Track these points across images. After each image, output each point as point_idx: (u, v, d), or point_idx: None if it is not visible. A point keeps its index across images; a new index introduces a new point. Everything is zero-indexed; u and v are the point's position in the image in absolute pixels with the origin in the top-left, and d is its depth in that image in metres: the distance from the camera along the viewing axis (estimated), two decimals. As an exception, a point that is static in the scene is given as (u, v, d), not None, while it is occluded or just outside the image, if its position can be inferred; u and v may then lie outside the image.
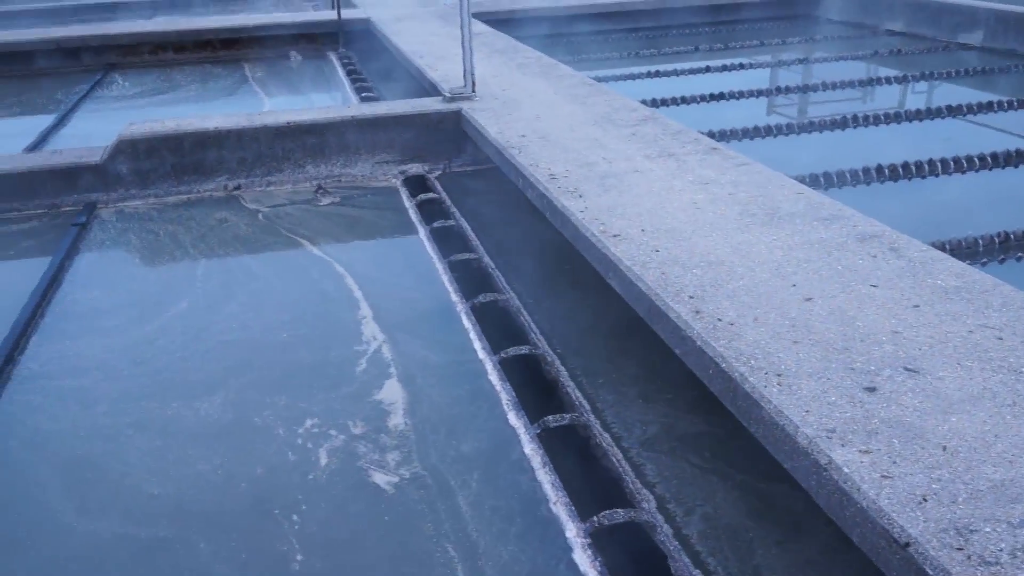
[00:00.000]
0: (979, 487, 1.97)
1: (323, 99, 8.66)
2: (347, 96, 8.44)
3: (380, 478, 2.93)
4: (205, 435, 3.21)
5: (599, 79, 7.73)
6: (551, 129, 5.44)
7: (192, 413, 3.35)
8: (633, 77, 9.03)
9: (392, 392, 3.47)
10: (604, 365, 3.58)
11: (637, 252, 3.51)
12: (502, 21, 10.53)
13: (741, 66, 9.50)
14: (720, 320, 2.90)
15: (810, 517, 2.52)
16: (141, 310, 4.22)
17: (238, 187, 5.83)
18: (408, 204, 5.50)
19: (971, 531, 1.83)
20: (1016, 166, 5.89)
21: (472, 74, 6.21)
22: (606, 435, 3.04)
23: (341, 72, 9.48)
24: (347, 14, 10.56)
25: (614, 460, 2.89)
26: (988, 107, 7.32)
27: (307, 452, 3.08)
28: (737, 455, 2.89)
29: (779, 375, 2.53)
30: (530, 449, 2.99)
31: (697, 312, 2.96)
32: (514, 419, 3.18)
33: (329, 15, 10.62)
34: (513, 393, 3.33)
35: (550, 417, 3.10)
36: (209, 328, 4.02)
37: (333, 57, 10.29)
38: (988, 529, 1.84)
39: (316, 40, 10.63)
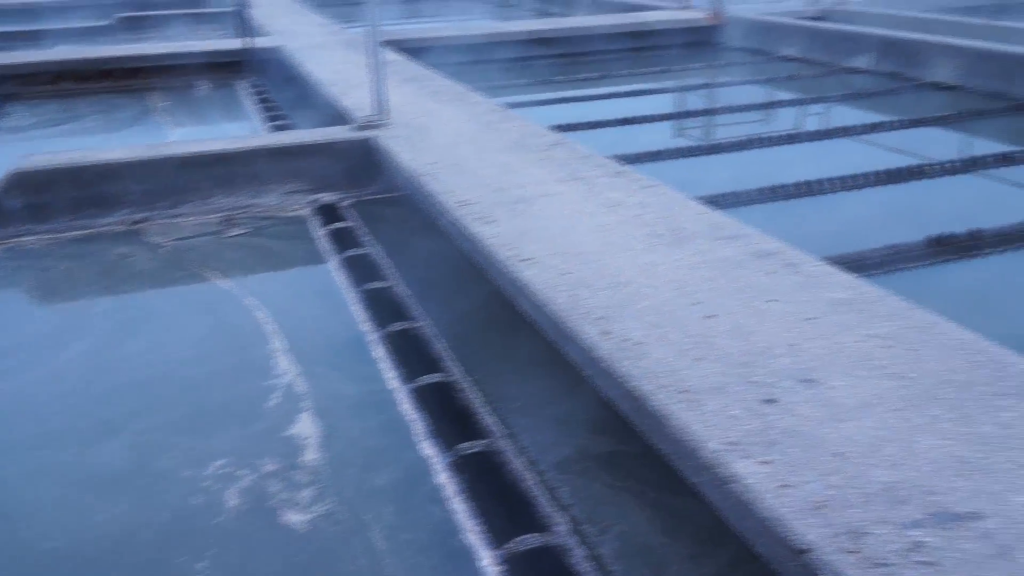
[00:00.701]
0: (870, 490, 2.05)
1: (232, 128, 8.52)
2: (257, 125, 8.32)
3: (293, 517, 2.87)
4: (105, 482, 3.09)
5: (511, 105, 7.82)
6: (463, 156, 5.48)
7: (91, 460, 3.22)
8: (544, 103, 9.18)
9: (305, 427, 3.41)
10: (519, 389, 3.60)
11: (547, 276, 3.56)
12: (415, 49, 10.58)
13: (648, 91, 9.76)
14: (627, 340, 2.96)
15: (721, 529, 2.57)
16: (35, 352, 4.04)
17: (142, 221, 5.67)
18: (319, 233, 5.44)
19: (864, 534, 1.91)
20: (904, 182, 6.20)
21: (383, 102, 6.21)
22: (520, 460, 3.05)
23: (251, 101, 9.35)
24: (257, 42, 10.45)
25: (528, 484, 2.90)
26: (878, 127, 7.70)
27: (215, 494, 2.99)
28: (649, 472, 2.94)
29: (684, 392, 2.59)
30: (444, 478, 2.97)
31: (605, 333, 3.02)
32: (428, 449, 3.16)
33: (238, 43, 10.48)
34: (427, 422, 3.31)
35: (464, 444, 3.09)
36: (109, 369, 3.88)
37: (243, 86, 10.14)
38: (879, 531, 1.92)
39: (225, 69, 10.46)
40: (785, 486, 2.09)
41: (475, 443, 3.10)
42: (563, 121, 7.73)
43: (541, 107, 8.96)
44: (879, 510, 1.99)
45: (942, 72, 9.19)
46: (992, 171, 6.47)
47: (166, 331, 4.23)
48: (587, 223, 4.15)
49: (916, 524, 1.93)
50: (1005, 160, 6.59)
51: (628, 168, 5.22)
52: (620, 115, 8.24)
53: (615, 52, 11.84)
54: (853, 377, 2.60)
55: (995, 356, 2.69)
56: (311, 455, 3.22)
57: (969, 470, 2.12)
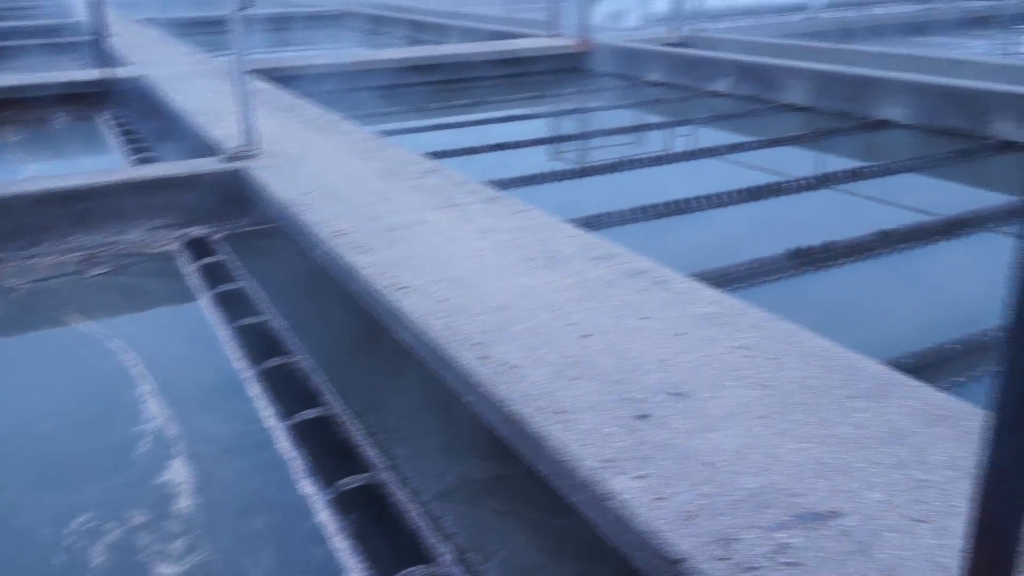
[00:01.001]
0: (738, 497, 2.14)
1: (92, 162, 8.13)
2: (119, 158, 7.97)
3: (165, 570, 2.74)
4: (-45, 546, 2.86)
5: (385, 134, 7.79)
6: (337, 185, 5.41)
7: (-61, 522, 2.98)
8: (418, 131, 9.20)
9: (176, 473, 3.27)
10: (401, 419, 3.56)
11: (424, 303, 3.55)
12: (286, 78, 10.41)
13: (521, 117, 9.93)
14: (505, 364, 2.98)
15: (601, 546, 2.61)
16: None
17: (-8, 264, 5.32)
18: (189, 269, 5.25)
19: (734, 540, 1.98)
20: (764, 199, 6.53)
21: (253, 131, 6.07)
22: (403, 491, 3.01)
23: (112, 133, 8.95)
24: (119, 72, 10.03)
25: (412, 516, 2.87)
26: (739, 147, 8.10)
27: (79, 552, 2.82)
28: (532, 495, 2.96)
29: (561, 412, 2.63)
30: (325, 516, 2.91)
31: (483, 358, 3.03)
32: (308, 487, 3.08)
33: (97, 73, 10.03)
34: (306, 459, 3.23)
35: (345, 479, 3.03)
36: (-42, 424, 3.61)
37: (103, 118, 9.70)
38: (748, 536, 2.00)
39: (84, 100, 9.98)
40: (659, 499, 2.15)
41: (357, 477, 3.05)
42: (438, 148, 7.77)
43: (416, 134, 8.98)
44: (747, 516, 2.07)
45: (795, 94, 9.76)
46: (843, 186, 6.90)
47: (23, 381, 3.97)
48: (463, 249, 4.17)
49: (781, 526, 2.02)
50: (854, 175, 7.05)
51: (502, 193, 5.28)
52: (494, 141, 8.35)
53: (488, 79, 12.00)
54: (720, 388, 2.70)
55: (848, 361, 2.86)
56: (184, 502, 3.08)
57: (828, 471, 2.24)
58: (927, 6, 17.19)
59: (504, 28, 15.05)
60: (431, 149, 7.60)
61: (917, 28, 14.90)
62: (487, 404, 2.87)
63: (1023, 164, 7.21)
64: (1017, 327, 0.80)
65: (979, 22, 15.32)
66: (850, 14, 14.52)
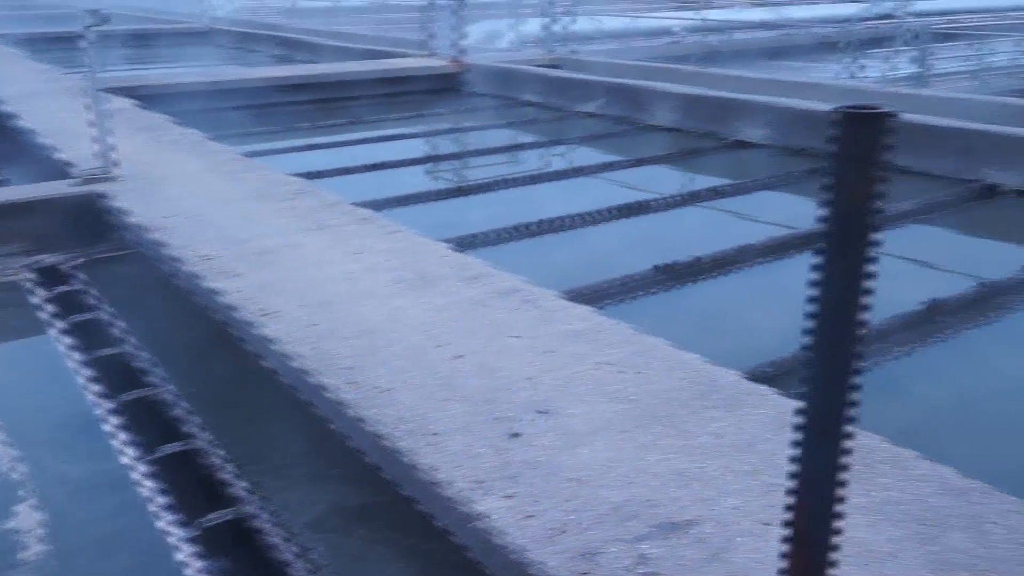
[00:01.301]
0: (602, 511, 2.18)
1: (-69, 188, 7.54)
2: (-39, 183, 7.43)
3: (9, 621, 2.55)
4: None
5: (255, 154, 7.61)
6: (202, 208, 5.23)
7: None
8: (290, 151, 9.01)
9: (26, 518, 3.05)
10: (270, 450, 3.46)
11: (292, 329, 3.47)
12: (149, 96, 10.00)
13: (396, 137, 9.89)
14: (375, 388, 2.94)
15: (472, 569, 2.61)
16: None
17: None
18: (40, 299, 4.94)
19: (598, 554, 2.02)
20: (634, 216, 6.74)
21: (110, 152, 5.79)
22: (272, 523, 2.92)
23: (-47, 157, 8.35)
24: (-43, 92, 9.37)
25: (281, 549, 2.78)
26: (609, 166, 8.33)
27: (-91, 608, 2.59)
28: (404, 520, 2.92)
29: (431, 435, 2.62)
30: (188, 555, 2.78)
31: (353, 383, 2.98)
32: (169, 525, 2.94)
33: (-66, 93, 9.34)
34: (168, 496, 3.09)
35: (210, 515, 2.91)
36: None
37: (-58, 140, 9.04)
38: (612, 549, 2.04)
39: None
40: (527, 517, 2.17)
41: (222, 512, 2.93)
42: (310, 169, 7.63)
43: (287, 155, 8.79)
44: (611, 529, 2.11)
45: (662, 115, 10.13)
46: (707, 203, 7.20)
47: None
48: (333, 272, 4.11)
49: (642, 538, 2.07)
50: (717, 193, 7.37)
51: (376, 215, 5.24)
52: (369, 161, 8.27)
53: (363, 99, 11.90)
54: (587, 404, 2.76)
55: (708, 373, 2.97)
56: (34, 549, 2.88)
57: (687, 480, 2.31)
58: (782, 32, 18.24)
59: (378, 47, 14.99)
60: (303, 170, 7.46)
61: (774, 53, 15.78)
62: (357, 429, 2.82)
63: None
64: (816, 344, 0.85)
65: (829, 47, 16.36)
66: (712, 39, 15.23)
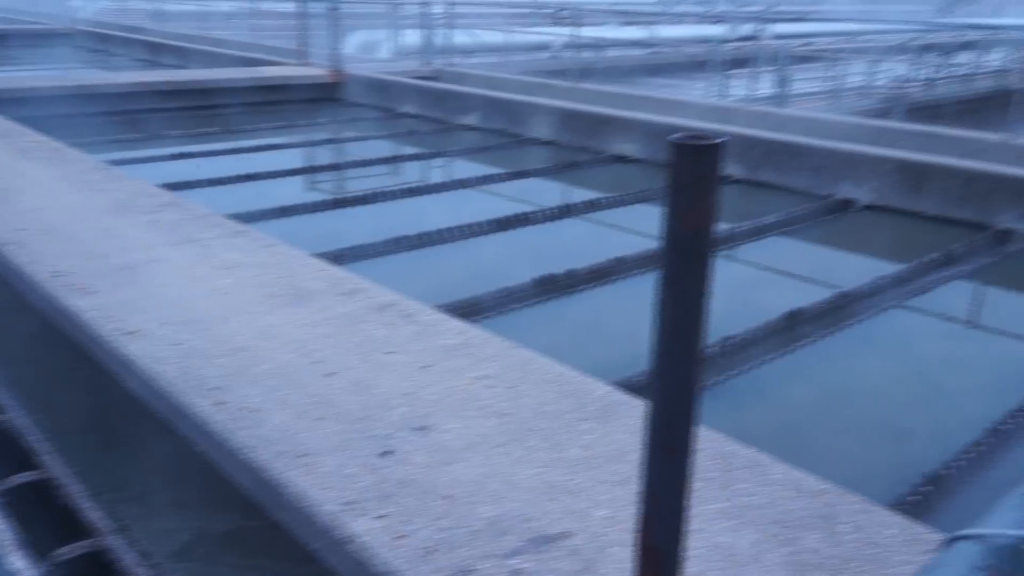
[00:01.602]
0: (476, 528, 2.18)
1: None
2: None
3: None
4: None
5: (120, 163, 7.27)
6: (57, 221, 4.94)
7: None
8: (159, 160, 8.65)
9: None
10: (131, 477, 3.29)
11: (155, 348, 3.32)
12: (1, 101, 9.39)
13: (272, 147, 9.65)
14: (244, 408, 2.85)
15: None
16: None
17: None
18: None
19: (470, 572, 2.02)
20: (513, 229, 6.81)
21: (-49, 163, 5.39)
22: (132, 555, 2.78)
23: None
24: None
25: (142, 580, 2.65)
26: (489, 179, 8.40)
27: None
28: (275, 546, 2.84)
29: (303, 456, 2.56)
30: (38, 591, 2.61)
31: (220, 404, 2.88)
32: (18, 562, 2.75)
33: None
34: (16, 530, 2.88)
35: (65, 548, 2.74)
36: None
37: None
38: (484, 566, 2.04)
39: None
40: (400, 537, 2.14)
41: (77, 545, 2.76)
42: (179, 179, 7.35)
43: (153, 164, 8.43)
44: (484, 545, 2.12)
45: (540, 129, 10.30)
46: (584, 216, 7.37)
47: None
48: (202, 288, 3.95)
49: (516, 552, 2.08)
50: (593, 206, 7.55)
51: (249, 227, 5.09)
52: (243, 171, 8.04)
53: (236, 107, 11.55)
54: (462, 419, 2.76)
55: (580, 385, 3.03)
56: None
57: (559, 493, 2.35)
58: (653, 51, 18.90)
59: (251, 55, 14.60)
60: (171, 180, 7.18)
61: (646, 70, 16.34)
62: (224, 452, 2.72)
63: (740, 195, 8.08)
64: (659, 364, 0.88)
65: (697, 66, 17.06)
66: (588, 55, 15.61)
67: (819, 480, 2.47)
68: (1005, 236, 6.81)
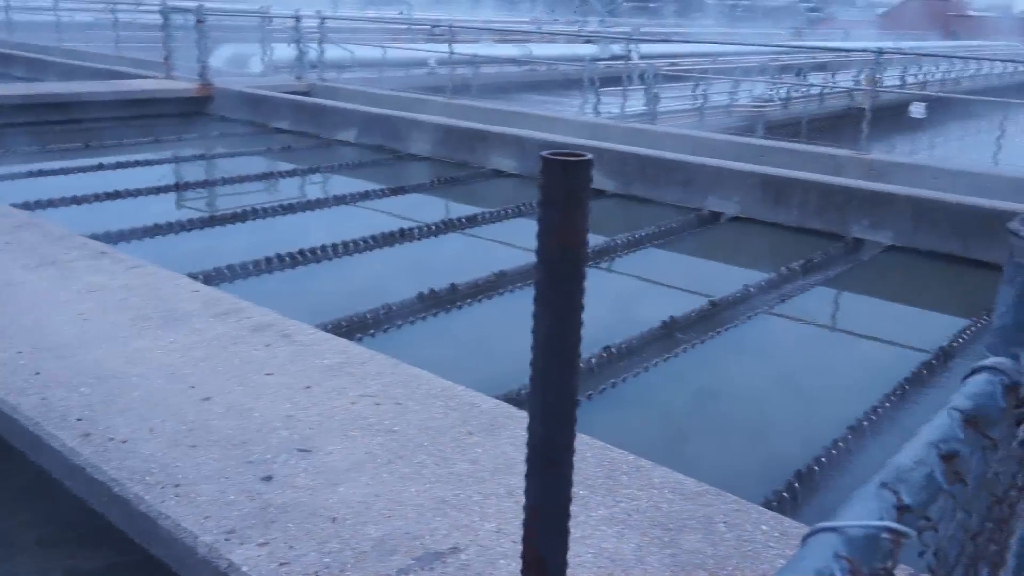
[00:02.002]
0: (363, 548, 2.15)
1: None
2: None
3: None
4: None
5: (-36, 182, 6.78)
6: None
7: None
8: (10, 178, 8.12)
9: None
10: (-13, 516, 3.06)
11: (13, 379, 3.10)
12: None
13: (139, 163, 9.23)
14: (112, 439, 2.71)
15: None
16: None
17: None
18: None
19: (358, 594, 1.98)
20: (395, 245, 6.77)
21: None
22: (-11, 601, 2.59)
23: None
24: None
25: (1, 628, 2.47)
26: (369, 195, 8.31)
27: None
28: (151, 579, 2.71)
29: (177, 485, 2.45)
30: None
31: (85, 436, 2.72)
32: None
33: None
34: None
35: (-91, 599, 2.52)
36: None
37: None
38: (372, 587, 2.01)
39: None
40: (283, 564, 2.08)
41: (-75, 595, 2.55)
42: (36, 198, 6.93)
43: (6, 183, 7.91)
44: (371, 566, 2.08)
45: (418, 145, 10.29)
46: (465, 231, 7.40)
47: None
48: (63, 313, 3.74)
49: (404, 571, 2.06)
50: (472, 221, 7.59)
51: (112, 248, 4.85)
52: (106, 189, 7.65)
53: (98, 122, 10.99)
54: (346, 439, 2.71)
55: (466, 399, 3.04)
56: None
57: (448, 508, 2.34)
58: (528, 68, 19.23)
59: (113, 67, 13.95)
60: (27, 199, 6.77)
61: (522, 87, 16.59)
62: (92, 486, 2.57)
63: (616, 209, 8.31)
64: (536, 376, 0.90)
65: (571, 84, 17.49)
66: (464, 71, 15.71)
67: (697, 483, 2.56)
68: (858, 245, 7.28)
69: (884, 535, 0.56)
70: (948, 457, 0.67)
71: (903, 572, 0.47)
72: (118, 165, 8.95)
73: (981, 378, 0.84)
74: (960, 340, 5.25)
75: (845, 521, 0.55)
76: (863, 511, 0.57)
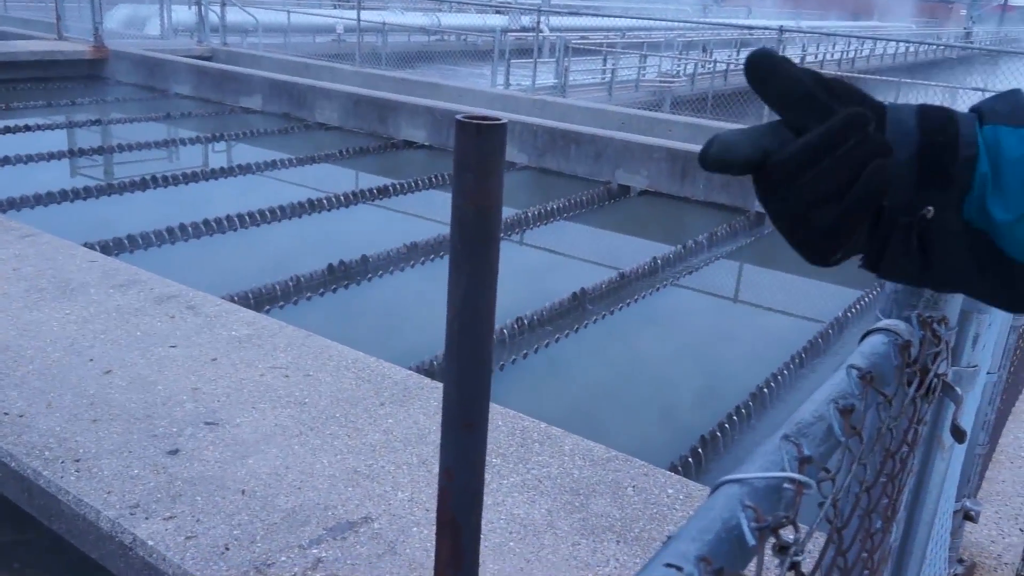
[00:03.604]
0: (274, 520, 2.13)
1: None
2: None
3: None
4: None
5: None
6: None
7: None
8: None
9: None
10: None
11: None
12: None
13: (29, 128, 8.73)
14: (7, 414, 2.59)
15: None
16: None
17: None
18: None
19: (268, 565, 1.96)
20: (304, 215, 6.63)
21: None
22: None
23: None
24: None
25: None
26: (276, 164, 8.10)
27: None
28: (53, 558, 2.62)
29: (77, 460, 2.36)
30: None
31: (-25, 411, 2.59)
32: None
33: None
34: None
35: None
36: None
37: None
38: (283, 558, 2.00)
39: None
40: (190, 537, 2.04)
41: None
42: (-88, 163, 6.49)
43: None
44: (283, 537, 2.07)
45: (326, 114, 10.07)
46: (376, 202, 7.30)
47: None
48: (-54, 284, 3.53)
49: (316, 541, 2.05)
50: (384, 192, 7.50)
51: (3, 216, 4.60)
52: (-8, 154, 7.23)
53: (-20, 82, 10.35)
54: (256, 411, 2.66)
55: (378, 370, 3.02)
56: None
57: (360, 478, 2.34)
58: (438, 37, 18.99)
59: (-2, 25, 13.13)
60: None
61: (432, 56, 16.36)
62: (-16, 464, 2.46)
63: (526, 181, 8.34)
64: (451, 345, 0.91)
65: (482, 55, 17.41)
66: (372, 39, 15.40)
67: (607, 449, 2.63)
68: (760, 219, 7.53)
69: (787, 485, 0.58)
70: (846, 411, 0.71)
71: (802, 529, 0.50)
72: (7, 130, 8.46)
73: (876, 339, 0.89)
74: (853, 311, 5.51)
75: (750, 473, 0.58)
76: (766, 463, 0.60)
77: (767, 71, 0.57)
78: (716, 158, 0.57)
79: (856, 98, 0.58)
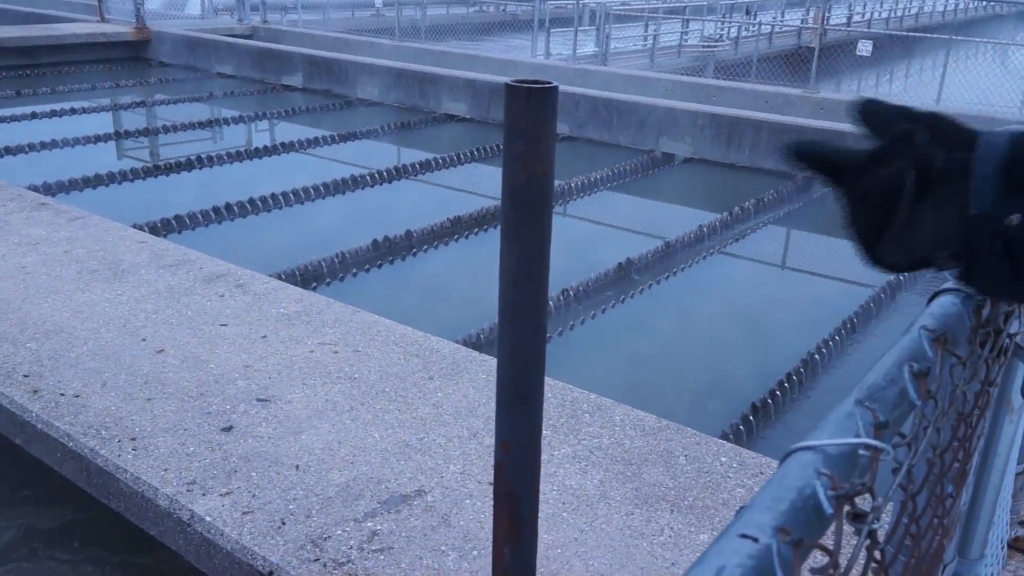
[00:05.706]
0: (328, 494, 2.14)
1: None
2: None
3: None
4: None
5: None
6: None
7: None
8: (-60, 129, 7.77)
9: None
10: (-64, 477, 2.98)
11: (-46, 336, 3.00)
12: None
13: (76, 111, 8.89)
14: (63, 395, 2.64)
15: (197, 572, 2.46)
16: None
17: None
18: None
19: (324, 539, 1.98)
20: (348, 192, 6.66)
21: None
22: (-56, 561, 2.53)
23: None
24: None
25: (-42, 588, 2.42)
26: (318, 141, 8.14)
27: None
28: (112, 535, 2.68)
29: (133, 439, 2.41)
30: None
31: (35, 392, 2.66)
32: None
33: None
34: None
35: None
36: None
37: None
38: (339, 532, 2.01)
39: None
40: (247, 512, 2.07)
41: None
42: (-33, 150, 6.65)
43: (-64, 134, 7.57)
44: (338, 511, 2.08)
45: (367, 90, 10.07)
46: (418, 177, 7.30)
47: None
48: (3, 267, 3.61)
49: (370, 515, 2.07)
50: (427, 167, 7.49)
51: (52, 200, 4.69)
52: (43, 138, 7.36)
53: (28, 68, 10.55)
54: (307, 387, 2.69)
55: (426, 345, 3.02)
56: None
57: (412, 452, 2.34)
58: (477, 8, 18.85)
59: (40, 10, 13.34)
60: (-43, 152, 6.49)
61: (471, 29, 16.25)
62: (45, 443, 2.52)
63: (569, 152, 8.26)
64: (505, 313, 0.89)
65: (522, 25, 17.22)
66: (412, 12, 15.34)
67: (658, 419, 2.60)
68: (808, 183, 7.37)
69: (862, 451, 0.55)
70: (920, 375, 0.67)
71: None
72: (53, 114, 8.62)
73: (946, 299, 0.85)
74: (904, 274, 5.37)
75: (822, 440, 0.55)
76: (838, 429, 0.57)
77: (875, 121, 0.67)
78: (807, 144, 0.66)
79: (943, 125, 0.65)
